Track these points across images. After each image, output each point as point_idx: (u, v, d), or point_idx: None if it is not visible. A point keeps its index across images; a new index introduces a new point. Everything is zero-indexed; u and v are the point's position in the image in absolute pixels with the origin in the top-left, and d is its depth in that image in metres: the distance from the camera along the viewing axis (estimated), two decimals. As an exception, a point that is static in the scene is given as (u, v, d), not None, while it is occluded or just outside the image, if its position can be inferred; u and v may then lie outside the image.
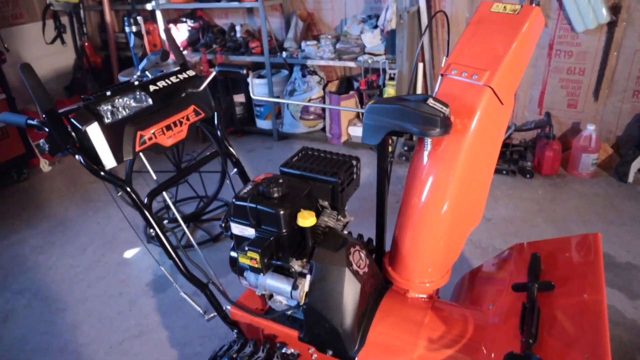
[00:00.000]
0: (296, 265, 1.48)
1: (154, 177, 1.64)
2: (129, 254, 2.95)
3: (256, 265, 1.42)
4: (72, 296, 2.63)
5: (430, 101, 1.29)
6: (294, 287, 1.46)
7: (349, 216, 1.73)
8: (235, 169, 1.88)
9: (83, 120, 1.38)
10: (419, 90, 3.90)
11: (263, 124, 4.71)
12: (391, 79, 3.75)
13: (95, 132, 1.41)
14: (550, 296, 1.36)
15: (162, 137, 1.58)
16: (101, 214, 3.42)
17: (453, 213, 1.41)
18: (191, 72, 1.75)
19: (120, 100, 1.52)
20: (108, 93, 1.50)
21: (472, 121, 1.32)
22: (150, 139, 1.53)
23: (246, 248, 1.41)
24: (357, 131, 4.22)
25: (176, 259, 1.58)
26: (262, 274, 1.49)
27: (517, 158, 3.56)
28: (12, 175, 4.01)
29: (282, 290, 1.48)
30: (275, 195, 1.45)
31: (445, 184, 1.38)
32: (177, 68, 1.76)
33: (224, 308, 1.69)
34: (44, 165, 4.24)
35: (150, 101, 1.59)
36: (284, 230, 1.42)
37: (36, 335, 2.37)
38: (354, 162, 1.66)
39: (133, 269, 2.82)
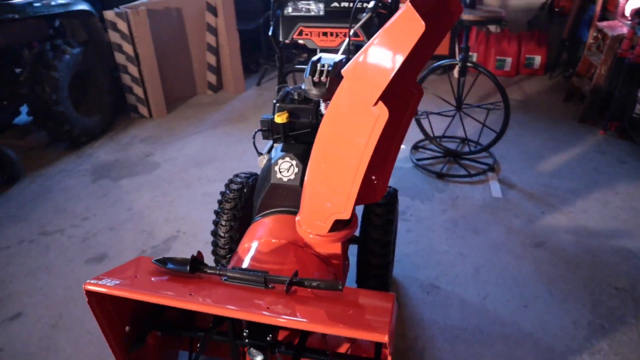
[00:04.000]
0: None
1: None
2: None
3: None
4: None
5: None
6: (260, 156, 2.04)
7: None
8: None
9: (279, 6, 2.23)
10: None
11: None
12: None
13: (283, 14, 2.26)
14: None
15: (317, 38, 2.25)
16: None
17: (312, 185, 1.56)
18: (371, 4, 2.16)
19: (301, 3, 2.26)
20: None
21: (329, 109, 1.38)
22: (307, 35, 2.25)
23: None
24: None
25: None
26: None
27: None
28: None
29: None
30: (289, 97, 1.97)
31: (313, 153, 1.52)
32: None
33: None
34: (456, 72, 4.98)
35: (322, 13, 2.26)
36: (272, 119, 1.95)
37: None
38: None
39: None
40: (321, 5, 2.27)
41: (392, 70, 1.13)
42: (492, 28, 5.33)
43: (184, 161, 3.69)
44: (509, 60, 4.96)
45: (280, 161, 1.88)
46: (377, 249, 1.97)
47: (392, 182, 3.22)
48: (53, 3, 3.58)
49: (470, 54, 4.99)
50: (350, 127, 1.33)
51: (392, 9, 2.29)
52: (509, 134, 3.82)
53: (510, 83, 4.97)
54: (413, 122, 3.64)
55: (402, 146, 3.59)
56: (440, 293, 2.32)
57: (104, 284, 1.43)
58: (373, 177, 1.67)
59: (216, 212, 2.18)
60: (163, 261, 1.56)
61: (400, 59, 1.10)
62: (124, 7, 3.97)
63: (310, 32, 2.31)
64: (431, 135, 3.50)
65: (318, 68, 1.55)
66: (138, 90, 4.29)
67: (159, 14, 4.32)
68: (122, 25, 3.97)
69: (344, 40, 2.28)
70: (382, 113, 1.24)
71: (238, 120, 4.42)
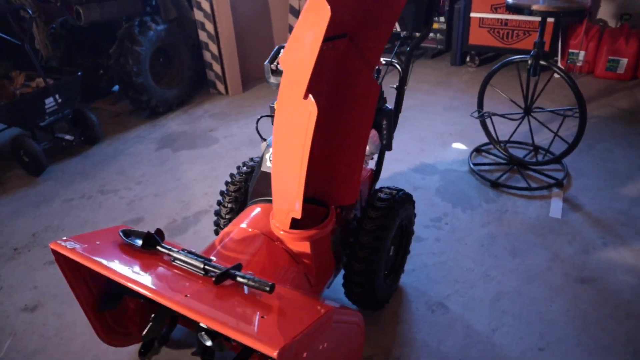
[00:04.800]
0: None
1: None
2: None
3: None
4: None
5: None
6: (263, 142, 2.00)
7: None
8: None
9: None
10: None
11: None
12: None
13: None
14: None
15: None
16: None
17: (273, 179, 1.49)
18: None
19: None
20: None
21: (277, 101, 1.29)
22: None
23: None
24: None
25: None
26: None
27: None
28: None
29: None
30: None
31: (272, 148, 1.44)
32: None
33: None
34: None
35: None
36: None
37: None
38: None
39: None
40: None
41: (311, 61, 1.00)
42: (612, 22, 4.57)
43: (241, 139, 3.78)
44: (624, 61, 4.22)
45: (270, 149, 1.82)
46: (363, 255, 1.82)
47: (437, 185, 2.96)
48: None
49: (576, 51, 4.35)
50: (290, 120, 1.23)
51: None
52: (596, 147, 3.28)
53: (622, 88, 4.23)
54: (476, 123, 3.31)
55: (463, 147, 3.32)
56: (447, 314, 2.08)
57: (65, 245, 1.52)
58: (342, 179, 1.53)
59: (221, 193, 2.19)
60: (127, 234, 1.61)
61: (314, 49, 0.97)
62: (209, -14, 4.15)
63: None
64: (495, 138, 3.13)
65: (280, 54, 1.44)
66: (217, 67, 4.49)
67: (245, -6, 4.45)
68: (205, 5, 4.16)
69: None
70: (312, 108, 1.11)
71: (306, 104, 4.40)
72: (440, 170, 3.13)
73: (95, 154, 3.72)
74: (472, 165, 3.08)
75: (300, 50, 1.03)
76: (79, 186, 3.30)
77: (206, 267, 1.40)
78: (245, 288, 1.38)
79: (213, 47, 4.36)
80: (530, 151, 3.18)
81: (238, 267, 1.43)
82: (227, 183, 2.19)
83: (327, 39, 1.23)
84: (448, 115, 3.90)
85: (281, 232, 1.64)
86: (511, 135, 3.11)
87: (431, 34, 4.83)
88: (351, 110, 1.29)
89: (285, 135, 1.28)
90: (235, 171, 2.23)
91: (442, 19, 4.67)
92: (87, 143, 3.78)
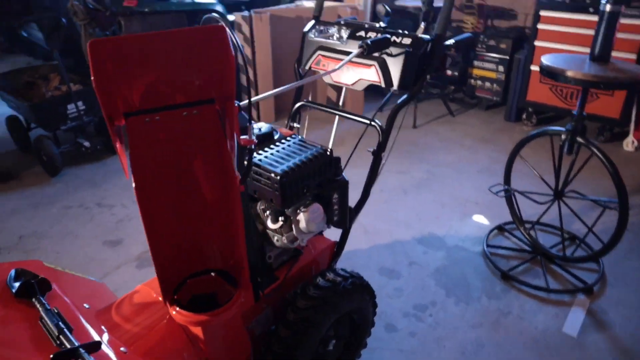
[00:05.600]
0: None
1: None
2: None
3: None
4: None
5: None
6: None
7: None
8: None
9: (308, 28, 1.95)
10: None
11: None
12: None
13: (307, 38, 1.96)
14: None
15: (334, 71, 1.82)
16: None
17: None
18: (407, 40, 1.65)
19: (331, 29, 1.90)
20: (340, 21, 1.90)
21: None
22: (324, 65, 1.91)
23: None
24: None
25: None
26: None
27: None
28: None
29: None
30: None
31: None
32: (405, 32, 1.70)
33: None
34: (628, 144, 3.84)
35: (344, 41, 1.86)
36: None
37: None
38: None
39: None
40: (345, 34, 1.85)
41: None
42: None
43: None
44: None
45: None
46: (278, 349, 1.52)
47: (437, 264, 2.55)
48: (187, 1, 3.88)
49: (656, 124, 3.68)
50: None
51: (434, 49, 1.70)
52: (650, 247, 2.68)
53: None
54: (502, 201, 2.83)
55: (485, 222, 2.87)
56: None
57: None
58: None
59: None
60: (19, 274, 1.43)
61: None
62: (254, 11, 4.07)
63: (327, 64, 1.91)
64: (519, 218, 2.66)
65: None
66: (251, 92, 4.39)
67: (289, 21, 4.31)
68: (245, 28, 4.08)
69: (359, 81, 1.82)
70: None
71: (326, 142, 4.13)
72: (448, 246, 2.71)
73: (111, 163, 3.73)
74: (485, 247, 2.63)
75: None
76: (82, 194, 3.30)
77: (61, 337, 1.18)
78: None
79: (249, 71, 4.27)
80: (560, 241, 2.64)
81: (93, 345, 1.20)
82: None
83: (192, 104, 1.00)
84: (481, 179, 3.44)
85: (174, 312, 1.39)
86: (539, 218, 2.62)
87: (487, 84, 4.37)
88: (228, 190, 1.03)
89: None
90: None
91: (500, 67, 4.21)
92: (109, 151, 3.82)
